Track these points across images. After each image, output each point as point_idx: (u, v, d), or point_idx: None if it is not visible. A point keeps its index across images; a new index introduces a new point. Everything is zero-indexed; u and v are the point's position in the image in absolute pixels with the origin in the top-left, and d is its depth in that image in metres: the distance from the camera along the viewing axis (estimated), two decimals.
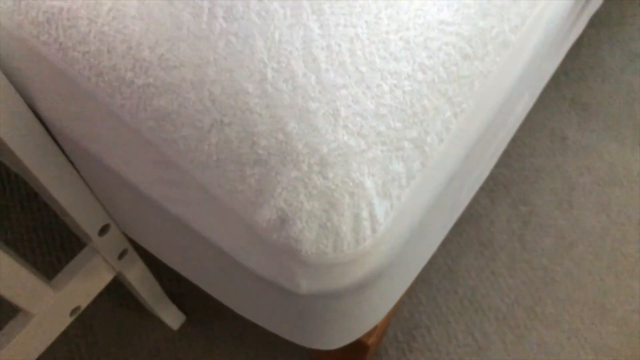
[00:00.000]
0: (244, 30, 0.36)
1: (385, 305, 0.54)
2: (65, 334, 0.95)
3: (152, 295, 0.87)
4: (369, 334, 0.68)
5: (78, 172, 0.56)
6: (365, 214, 0.37)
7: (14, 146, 0.47)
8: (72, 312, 0.70)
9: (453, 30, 0.38)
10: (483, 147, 0.51)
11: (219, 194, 0.39)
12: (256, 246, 0.40)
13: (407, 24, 0.37)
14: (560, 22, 0.53)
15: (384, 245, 0.40)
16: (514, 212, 1.09)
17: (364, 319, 0.52)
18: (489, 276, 1.03)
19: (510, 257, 1.04)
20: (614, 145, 1.16)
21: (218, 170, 0.37)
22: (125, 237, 0.70)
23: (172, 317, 0.94)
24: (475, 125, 0.43)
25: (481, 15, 0.40)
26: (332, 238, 0.37)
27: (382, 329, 0.76)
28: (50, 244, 1.03)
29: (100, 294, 0.90)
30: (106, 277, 0.73)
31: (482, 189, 1.11)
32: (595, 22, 1.31)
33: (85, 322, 0.96)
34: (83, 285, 0.69)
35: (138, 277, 0.79)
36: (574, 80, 1.24)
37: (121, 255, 0.71)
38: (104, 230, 0.65)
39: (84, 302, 0.71)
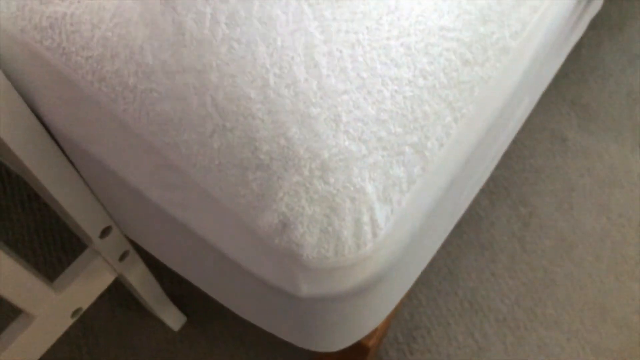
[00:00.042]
0: (246, 36, 0.36)
1: (386, 308, 0.54)
2: (66, 335, 0.95)
3: (153, 297, 0.87)
4: (369, 336, 0.68)
5: (79, 174, 0.56)
6: (366, 218, 0.37)
7: (15, 147, 0.48)
8: (74, 313, 0.70)
9: (454, 36, 0.39)
10: (483, 152, 0.51)
11: (221, 198, 0.39)
12: (257, 250, 0.41)
13: (408, 30, 0.37)
14: (560, 27, 0.53)
15: (384, 249, 0.40)
16: (514, 214, 1.09)
17: (364, 321, 0.53)
18: (489, 277, 1.03)
19: (510, 258, 1.05)
20: (614, 146, 1.17)
21: (220, 175, 0.38)
22: (127, 238, 0.70)
23: (173, 318, 0.95)
24: (475, 130, 0.43)
25: (482, 21, 0.40)
26: (333, 242, 0.37)
27: (383, 331, 0.76)
28: (51, 244, 1.03)
29: (101, 295, 0.90)
30: (107, 279, 0.73)
31: (482, 190, 1.11)
32: (596, 24, 1.31)
33: (86, 323, 0.96)
34: (84, 287, 0.69)
35: (139, 278, 0.79)
36: (574, 82, 1.24)
37: (122, 257, 0.71)
38: (105, 232, 0.65)
39: (85, 303, 0.71)
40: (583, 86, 1.24)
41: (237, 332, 0.96)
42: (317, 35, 0.36)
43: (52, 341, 0.69)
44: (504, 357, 0.96)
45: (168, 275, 0.99)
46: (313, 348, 0.57)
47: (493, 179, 1.12)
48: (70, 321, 0.70)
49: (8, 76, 0.45)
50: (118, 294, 0.98)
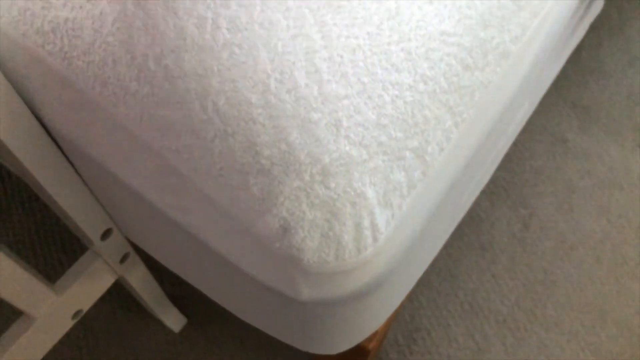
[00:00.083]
0: (247, 41, 0.36)
1: (386, 311, 0.54)
2: (66, 336, 0.95)
3: (154, 298, 0.87)
4: (369, 339, 0.68)
5: (80, 176, 0.56)
6: (366, 223, 0.38)
7: (16, 149, 0.48)
8: (74, 315, 0.70)
9: (454, 41, 0.39)
10: (483, 155, 0.51)
11: (222, 202, 0.39)
12: (258, 254, 0.41)
13: (408, 35, 0.38)
14: (560, 31, 0.53)
15: (385, 253, 0.40)
16: (514, 215, 1.09)
17: (364, 324, 0.53)
18: (489, 279, 1.03)
19: (510, 260, 1.05)
20: (615, 148, 1.17)
21: (221, 179, 0.38)
22: (127, 240, 0.70)
23: (173, 319, 0.95)
24: (475, 134, 0.44)
25: (482, 26, 0.40)
26: (333, 247, 0.37)
27: (383, 333, 0.76)
28: (51, 245, 1.04)
29: (102, 296, 0.90)
30: (108, 281, 0.73)
31: (483, 192, 1.11)
32: (596, 25, 1.31)
33: (86, 324, 0.97)
34: (85, 288, 0.70)
35: (140, 280, 0.79)
36: (574, 83, 1.24)
37: (123, 259, 0.71)
38: (106, 234, 0.65)
39: (85, 305, 0.72)
40: (583, 87, 1.24)
41: (238, 333, 0.96)
42: (318, 40, 0.37)
43: (53, 343, 0.69)
44: (504, 358, 0.96)
45: (168, 276, 0.99)
46: (313, 351, 0.57)
47: (493, 181, 1.12)
48: (70, 323, 0.70)
49: (9, 79, 0.45)
50: (118, 295, 0.98)
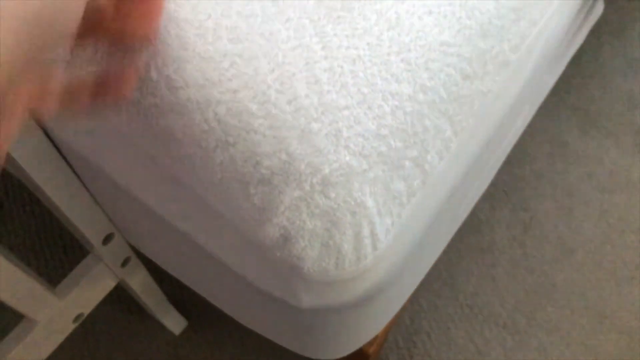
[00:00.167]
0: (248, 52, 0.37)
1: (386, 316, 0.55)
2: (67, 339, 0.95)
3: (155, 301, 0.87)
4: (369, 343, 0.68)
5: (82, 182, 0.57)
6: (366, 232, 0.38)
7: (18, 155, 0.48)
8: (75, 319, 0.71)
9: (454, 51, 0.39)
10: (483, 162, 0.51)
11: (223, 211, 0.39)
12: (259, 262, 0.41)
13: (408, 46, 0.38)
14: (560, 38, 0.53)
15: (384, 262, 0.40)
16: (514, 218, 1.09)
17: (364, 330, 0.53)
18: (489, 282, 1.03)
19: (510, 263, 1.05)
20: (615, 151, 1.17)
21: (222, 189, 0.38)
22: (128, 244, 0.70)
23: (174, 322, 0.95)
24: (475, 142, 0.44)
25: (482, 36, 0.40)
26: (333, 256, 0.38)
27: (383, 337, 0.77)
28: (52, 247, 1.04)
29: (103, 299, 0.90)
30: (109, 284, 0.73)
31: (483, 195, 1.11)
32: (596, 29, 1.31)
33: (87, 326, 0.97)
34: (86, 292, 0.70)
35: (141, 283, 0.80)
36: (574, 87, 1.24)
37: (124, 263, 0.72)
38: (107, 239, 0.65)
39: (86, 309, 0.72)
40: (583, 91, 1.24)
41: (238, 336, 0.96)
42: (318, 50, 0.37)
43: (54, 347, 0.70)
44: None
45: (169, 279, 0.99)
46: (313, 356, 0.57)
47: (493, 184, 1.12)
48: (72, 327, 0.71)
49: None
50: (119, 298, 0.99)
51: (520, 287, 1.03)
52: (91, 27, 0.30)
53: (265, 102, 0.36)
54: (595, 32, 1.31)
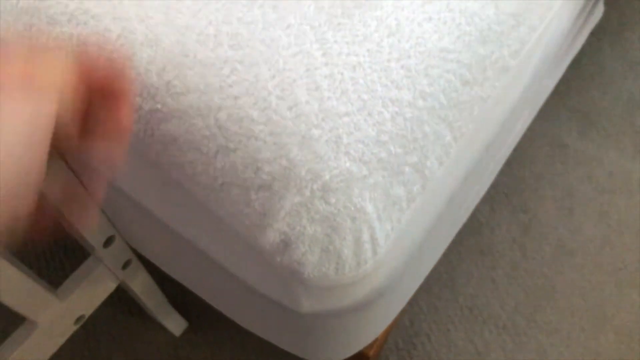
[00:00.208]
0: (249, 58, 0.37)
1: (386, 320, 0.55)
2: (68, 340, 0.96)
3: (155, 303, 0.87)
4: (369, 345, 0.69)
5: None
6: (366, 237, 0.38)
7: None
8: (77, 320, 0.71)
9: (454, 57, 0.39)
10: (482, 167, 0.52)
11: (224, 216, 0.40)
12: (260, 267, 0.41)
13: (408, 52, 0.38)
14: (560, 42, 0.53)
15: (384, 266, 0.40)
16: (514, 220, 1.09)
17: (364, 333, 0.53)
18: (489, 284, 1.03)
19: (510, 265, 1.05)
20: (614, 153, 1.17)
21: (223, 194, 0.38)
22: (129, 247, 0.70)
23: (174, 323, 0.95)
24: (474, 147, 0.44)
25: (481, 42, 0.41)
26: (334, 261, 0.38)
27: (383, 339, 0.77)
28: (53, 249, 1.04)
29: (104, 301, 0.90)
30: (110, 286, 0.74)
31: (483, 197, 1.11)
32: (596, 31, 1.31)
33: (88, 328, 0.97)
34: (87, 294, 0.70)
35: (141, 285, 0.80)
36: (574, 89, 1.24)
37: (125, 265, 0.72)
38: (108, 241, 0.65)
39: (88, 311, 0.72)
40: (583, 93, 1.24)
41: (239, 338, 0.96)
42: (319, 57, 0.37)
43: (55, 348, 0.70)
44: None
45: (170, 280, 1.00)
46: (314, 359, 0.57)
47: (493, 186, 1.12)
48: (73, 328, 0.71)
49: None
50: (120, 299, 0.99)
51: (520, 288, 1.03)
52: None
53: (266, 108, 0.36)
54: (595, 34, 1.31)
